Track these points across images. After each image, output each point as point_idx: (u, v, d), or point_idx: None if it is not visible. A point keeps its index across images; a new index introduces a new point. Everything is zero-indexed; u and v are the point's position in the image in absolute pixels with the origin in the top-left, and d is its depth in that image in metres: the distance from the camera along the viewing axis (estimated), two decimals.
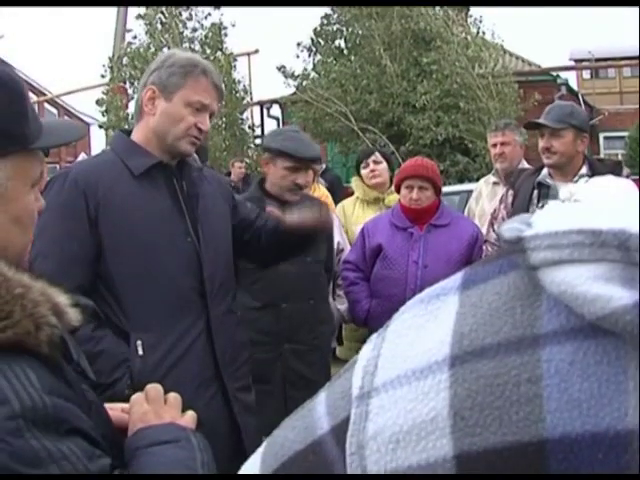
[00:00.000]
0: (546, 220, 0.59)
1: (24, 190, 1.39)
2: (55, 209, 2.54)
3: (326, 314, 4.10)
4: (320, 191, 6.68)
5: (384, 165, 5.41)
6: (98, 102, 17.35)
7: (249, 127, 18.00)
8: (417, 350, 0.61)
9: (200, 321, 2.65)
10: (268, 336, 3.57)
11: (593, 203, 0.61)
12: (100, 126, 17.57)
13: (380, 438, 0.60)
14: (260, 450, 0.74)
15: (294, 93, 17.43)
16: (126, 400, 2.44)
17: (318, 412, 0.69)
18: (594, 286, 0.53)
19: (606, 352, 0.54)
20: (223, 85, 2.87)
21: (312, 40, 17.40)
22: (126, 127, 14.96)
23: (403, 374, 0.61)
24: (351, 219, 5.36)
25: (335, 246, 4.72)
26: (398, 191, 4.62)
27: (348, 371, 0.68)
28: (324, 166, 10.96)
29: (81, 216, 2.55)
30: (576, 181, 3.92)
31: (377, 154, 5.47)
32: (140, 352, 2.53)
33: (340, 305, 4.75)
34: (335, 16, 17.24)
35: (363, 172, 5.45)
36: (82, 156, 11.68)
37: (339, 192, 9.35)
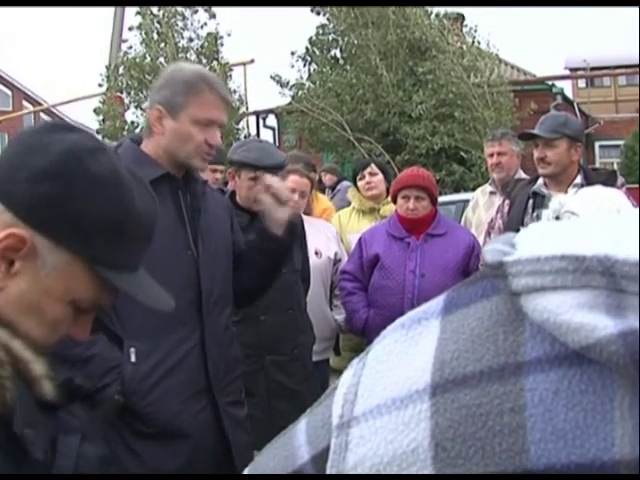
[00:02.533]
0: (529, 243, 0.58)
1: (60, 293, 1.28)
2: None
3: (305, 324, 4.08)
4: (325, 204, 6.60)
5: (380, 177, 5.40)
6: (96, 111, 17.38)
7: (245, 137, 17.99)
8: (398, 378, 0.60)
9: (195, 334, 2.63)
10: (250, 349, 3.56)
11: (578, 224, 0.60)
12: (98, 132, 17.61)
13: (360, 469, 0.59)
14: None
15: (290, 103, 17.46)
16: (115, 406, 2.44)
17: (298, 440, 0.68)
18: (578, 314, 0.52)
19: (591, 381, 0.53)
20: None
21: (307, 49, 17.43)
22: (124, 135, 15.00)
23: (383, 403, 0.59)
24: (346, 228, 5.35)
25: (333, 256, 4.72)
26: (394, 201, 4.62)
27: (328, 397, 0.67)
28: (318, 177, 10.95)
29: None
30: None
31: (373, 166, 5.45)
32: (133, 359, 2.52)
33: (337, 315, 4.75)
34: (331, 26, 17.27)
35: (359, 183, 5.44)
36: None
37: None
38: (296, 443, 0.68)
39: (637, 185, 9.61)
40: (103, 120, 17.17)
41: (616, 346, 0.50)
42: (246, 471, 0.73)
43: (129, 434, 2.53)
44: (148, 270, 2.67)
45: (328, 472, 0.61)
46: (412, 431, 0.57)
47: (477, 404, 0.55)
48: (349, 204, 5.78)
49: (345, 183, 8.19)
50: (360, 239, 4.66)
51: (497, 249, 0.58)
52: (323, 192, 10.28)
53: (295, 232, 2.93)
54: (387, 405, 0.59)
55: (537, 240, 0.58)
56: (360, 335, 4.68)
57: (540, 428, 0.53)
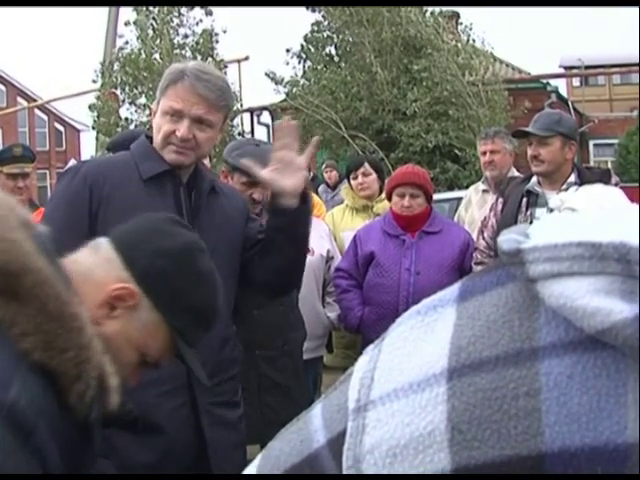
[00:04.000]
0: (544, 232, 0.59)
1: (139, 345, 1.60)
2: (61, 200, 2.67)
3: (296, 320, 4.08)
4: (313, 200, 6.66)
5: (373, 177, 5.36)
6: (91, 107, 17.35)
7: (239, 134, 17.97)
8: (414, 363, 0.61)
9: None
10: (241, 344, 3.57)
11: (590, 214, 0.61)
12: (93, 127, 17.60)
13: (377, 452, 0.59)
14: (255, 462, 0.74)
15: (284, 100, 17.45)
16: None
17: (314, 425, 0.69)
18: (594, 299, 0.53)
19: (605, 365, 0.54)
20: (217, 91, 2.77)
21: (302, 47, 17.42)
22: (118, 131, 14.97)
23: (400, 387, 0.60)
24: (340, 226, 5.34)
25: (325, 254, 4.72)
26: (389, 199, 4.61)
27: (344, 383, 0.68)
28: (312, 174, 10.98)
29: (83, 210, 2.56)
30: (565, 189, 3.92)
31: (366, 165, 5.39)
32: None
33: (330, 312, 4.74)
34: (325, 23, 17.27)
35: (353, 183, 5.43)
36: (72, 162, 11.64)
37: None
38: (312, 427, 0.69)
39: (632, 184, 9.63)
40: (98, 116, 17.14)
41: (631, 330, 0.51)
42: (259, 457, 0.74)
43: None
44: None
45: (345, 455, 0.62)
46: (429, 414, 0.58)
47: (493, 388, 0.56)
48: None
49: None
50: (355, 236, 4.65)
51: (513, 238, 0.59)
52: (316, 188, 10.30)
53: (308, 200, 2.77)
54: (404, 389, 0.60)
55: (551, 229, 0.59)
56: (355, 333, 4.68)
57: (555, 411, 0.54)
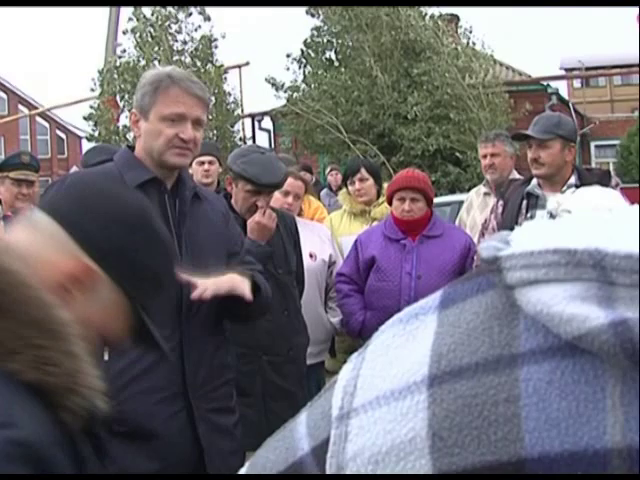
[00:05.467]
0: (523, 239, 0.60)
1: (99, 325, 1.39)
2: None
3: (300, 326, 4.09)
4: (315, 204, 6.68)
5: (370, 182, 5.35)
6: (86, 117, 17.35)
7: (240, 139, 17.97)
8: (396, 370, 0.61)
9: (174, 336, 2.60)
10: (246, 349, 3.57)
11: (570, 220, 0.62)
12: (88, 139, 17.56)
13: (359, 459, 0.60)
14: (243, 470, 0.74)
15: (285, 105, 17.46)
16: None
17: (299, 433, 0.69)
18: (570, 306, 0.53)
19: (584, 371, 0.54)
20: (210, 94, 2.84)
21: (302, 52, 17.43)
22: (117, 139, 14.98)
23: (382, 395, 0.61)
24: (338, 231, 5.34)
25: (327, 259, 4.72)
26: (390, 203, 4.62)
27: (328, 391, 0.68)
28: (314, 179, 11.01)
29: None
30: (565, 191, 3.92)
31: (363, 171, 5.37)
32: (106, 357, 2.51)
33: (332, 317, 4.74)
34: (325, 28, 17.28)
35: (350, 188, 5.43)
36: (74, 169, 11.66)
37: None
38: (296, 435, 0.69)
39: (634, 184, 9.62)
40: (95, 124, 17.13)
41: (607, 335, 0.51)
42: (247, 465, 0.74)
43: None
44: None
45: (328, 462, 0.63)
46: (410, 421, 0.58)
47: (473, 394, 0.56)
48: None
49: None
50: (356, 241, 4.66)
51: (492, 246, 0.60)
52: (318, 193, 10.31)
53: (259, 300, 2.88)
54: (386, 396, 0.60)
55: (531, 236, 0.59)
56: (357, 337, 4.68)
57: (534, 417, 0.54)
